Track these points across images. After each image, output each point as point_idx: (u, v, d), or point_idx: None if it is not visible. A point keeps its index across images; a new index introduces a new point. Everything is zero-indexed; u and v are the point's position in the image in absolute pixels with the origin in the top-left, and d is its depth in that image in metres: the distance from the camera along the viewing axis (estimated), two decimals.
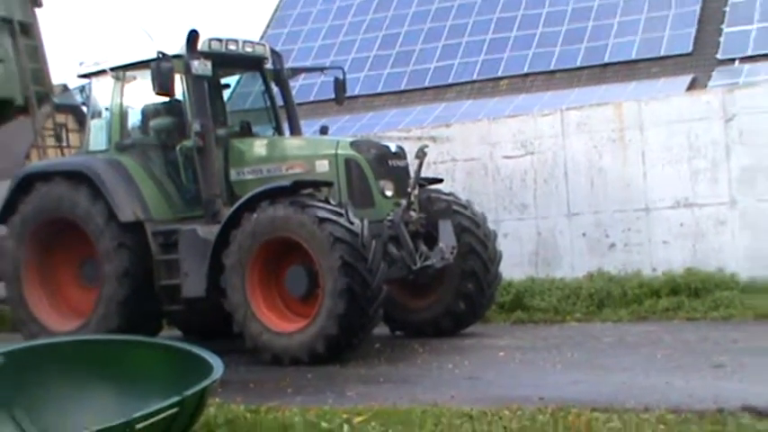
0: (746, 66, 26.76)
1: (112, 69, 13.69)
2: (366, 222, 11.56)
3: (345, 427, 7.47)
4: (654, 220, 15.32)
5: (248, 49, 13.91)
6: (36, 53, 15.98)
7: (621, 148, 15.57)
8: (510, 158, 16.35)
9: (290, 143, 13.48)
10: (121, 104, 13.75)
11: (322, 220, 11.30)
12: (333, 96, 14.62)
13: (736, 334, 11.85)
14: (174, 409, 6.53)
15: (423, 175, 13.03)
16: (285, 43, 32.39)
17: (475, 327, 13.43)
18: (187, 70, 12.81)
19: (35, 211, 13.53)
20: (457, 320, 13.26)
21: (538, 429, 7.17)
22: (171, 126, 13.38)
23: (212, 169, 12.89)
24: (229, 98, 14.87)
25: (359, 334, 11.59)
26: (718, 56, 28.11)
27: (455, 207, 13.20)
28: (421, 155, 12.92)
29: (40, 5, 16.06)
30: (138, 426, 6.20)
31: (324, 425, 7.54)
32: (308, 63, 28.82)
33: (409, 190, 12.77)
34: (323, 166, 12.56)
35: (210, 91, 13.48)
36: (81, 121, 15.83)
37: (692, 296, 13.94)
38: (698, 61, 28.33)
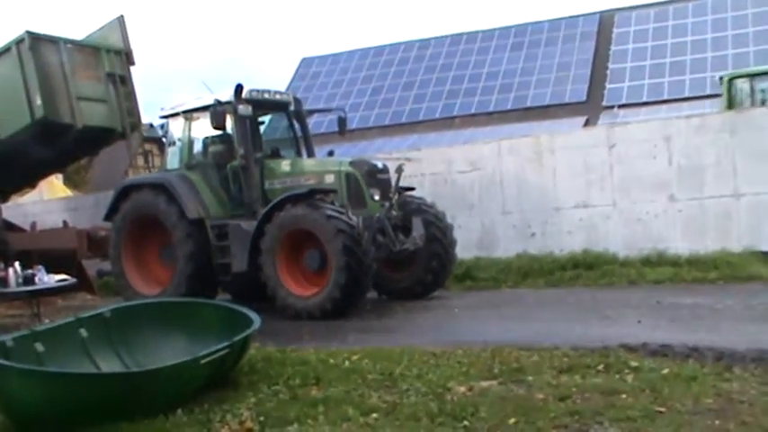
0: (622, 111, 27.09)
1: (183, 112, 13.68)
2: (360, 218, 11.58)
3: (346, 362, 7.48)
4: (562, 216, 15.31)
5: (278, 97, 13.91)
6: (130, 96, 16.09)
7: (539, 166, 15.56)
8: (462, 173, 16.32)
9: (307, 162, 13.44)
10: (189, 136, 13.74)
11: (329, 217, 11.30)
12: (337, 129, 14.58)
13: (616, 295, 11.88)
14: (226, 350, 6.56)
15: (401, 184, 13.04)
16: (303, 92, 32.34)
17: (438, 292, 13.40)
18: (234, 112, 12.77)
19: (130, 211, 13.53)
20: (425, 288, 13.23)
21: (481, 363, 7.19)
22: (223, 151, 13.33)
23: (252, 181, 12.88)
24: (264, 131, 14.81)
25: (356, 297, 11.57)
26: (603, 104, 28.40)
27: (423, 207, 13.18)
28: (399, 171, 12.92)
29: (133, 64, 16.18)
30: (202, 361, 6.22)
31: (331, 361, 7.55)
32: (320, 106, 28.78)
33: (391, 195, 12.77)
34: (330, 179, 12.52)
35: (251, 126, 13.44)
36: (161, 148, 15.77)
37: (587, 269, 13.91)
38: (590, 107, 28.56)
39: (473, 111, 30.67)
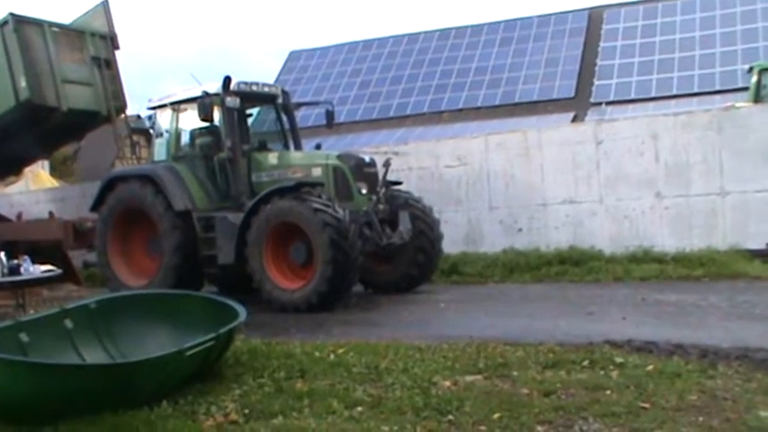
0: (609, 107, 27.16)
1: (171, 104, 13.66)
2: (347, 212, 11.55)
3: (332, 355, 7.47)
4: (548, 212, 15.35)
5: (266, 89, 13.87)
6: (114, 80, 16.19)
7: (527, 161, 15.59)
8: (449, 168, 16.34)
9: (294, 155, 13.41)
10: (177, 128, 13.72)
11: (316, 210, 11.28)
12: (325, 123, 14.55)
13: (601, 291, 11.92)
14: (212, 342, 6.54)
15: (388, 178, 13.05)
16: (291, 85, 32.30)
17: (424, 286, 13.42)
18: (222, 104, 12.75)
19: (117, 202, 13.52)
20: (411, 282, 13.25)
21: (466, 357, 7.19)
22: (211, 143, 13.30)
23: (239, 174, 12.86)
24: (252, 123, 14.78)
25: (342, 291, 11.56)
26: (591, 100, 28.46)
27: (410, 201, 13.19)
28: (387, 164, 12.96)
29: (118, 48, 16.28)
30: (187, 353, 6.20)
31: (316, 354, 7.54)
32: (308, 99, 28.71)
33: (378, 189, 12.78)
34: (317, 172, 12.51)
35: (239, 118, 13.42)
36: (149, 139, 15.78)
37: (573, 265, 13.94)
38: (578, 103, 28.58)
39: (461, 105, 30.67)
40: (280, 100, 14.04)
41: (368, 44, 36.50)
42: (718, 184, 13.94)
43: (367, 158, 12.96)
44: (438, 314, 10.86)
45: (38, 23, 15.17)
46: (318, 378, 6.66)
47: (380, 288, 13.33)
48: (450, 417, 5.47)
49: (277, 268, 11.93)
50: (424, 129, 29.01)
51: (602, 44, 30.79)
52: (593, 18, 32.52)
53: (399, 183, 13.70)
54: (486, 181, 15.97)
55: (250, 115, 14.63)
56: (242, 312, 7.20)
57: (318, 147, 14.46)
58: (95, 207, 13.88)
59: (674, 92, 27.02)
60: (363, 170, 12.65)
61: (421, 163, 16.56)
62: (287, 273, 11.98)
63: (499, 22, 34.52)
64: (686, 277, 12.67)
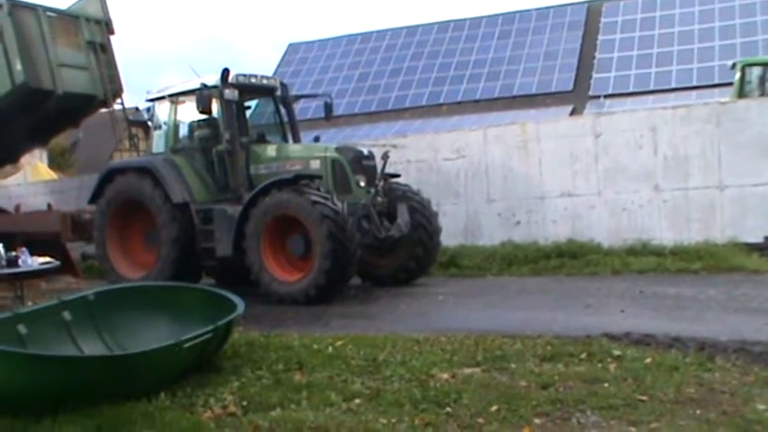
0: (608, 100, 27.17)
1: (169, 96, 13.66)
2: (345, 204, 11.56)
3: (330, 348, 7.47)
4: (547, 205, 15.35)
5: (264, 82, 13.84)
6: (110, 64, 16.22)
7: (525, 154, 15.58)
8: (448, 160, 16.33)
9: (293, 148, 13.39)
10: (175, 120, 13.72)
11: (314, 203, 11.26)
12: (323, 115, 14.54)
13: (599, 284, 11.89)
14: (210, 335, 6.54)
15: (386, 171, 13.03)
16: (290, 77, 32.28)
17: (422, 279, 13.40)
18: (221, 96, 12.74)
19: (115, 194, 13.52)
20: (409, 274, 13.24)
21: (465, 350, 7.20)
22: (209, 135, 13.28)
23: (238, 166, 12.84)
24: (250, 116, 14.75)
25: (340, 283, 11.56)
26: (590, 93, 28.47)
27: (409, 194, 13.17)
28: (385, 157, 12.94)
29: (113, 33, 16.33)
30: (185, 345, 6.20)
31: (315, 346, 7.54)
32: (306, 91, 28.67)
33: (377, 182, 12.76)
34: (316, 164, 12.49)
35: (237, 111, 13.39)
36: (147, 131, 15.78)
37: (571, 258, 13.94)
38: (576, 96, 28.60)
39: (459, 98, 30.66)
40: (278, 92, 14.03)
41: (366, 36, 36.48)
42: (716, 177, 13.93)
43: (365, 151, 12.95)
44: (436, 307, 10.86)
45: (32, 8, 15.22)
46: (317, 370, 6.66)
47: (379, 281, 13.32)
48: (449, 409, 5.47)
49: (275, 261, 11.92)
50: (422, 121, 29.00)
51: (600, 37, 30.78)
52: (592, 11, 32.50)
53: (398, 175, 13.68)
54: (485, 174, 15.96)
55: (249, 107, 14.60)
56: (240, 305, 7.20)
57: (317, 139, 14.44)
58: (93, 199, 13.88)
59: (673, 85, 27.02)
60: (362, 163, 12.63)
61: (419, 156, 16.54)
62: (285, 265, 11.97)
63: (498, 15, 34.51)
64: (684, 270, 12.66)
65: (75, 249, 16.29)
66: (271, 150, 13.11)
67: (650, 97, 26.18)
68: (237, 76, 13.05)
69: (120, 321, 7.38)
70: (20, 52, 14.60)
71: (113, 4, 16.30)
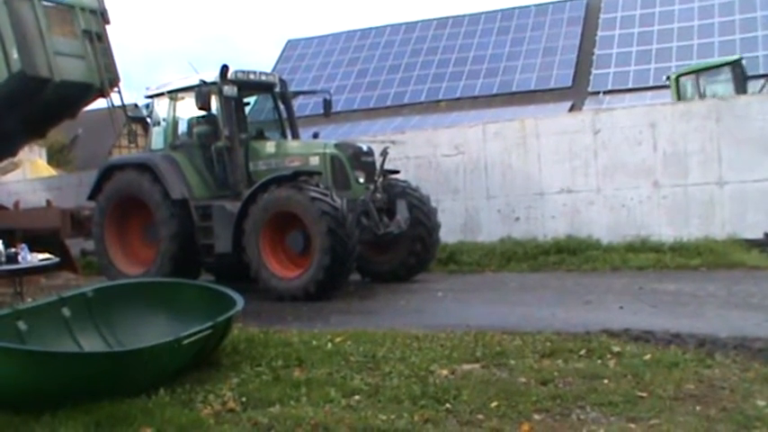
0: (607, 96, 27.19)
1: (168, 92, 13.64)
2: (345, 201, 11.54)
3: (329, 344, 7.46)
4: (546, 201, 15.34)
5: (263, 78, 13.83)
6: (106, 53, 16.19)
7: (524, 150, 15.57)
8: (447, 157, 16.32)
9: (292, 144, 13.39)
10: (174, 117, 13.71)
11: (313, 199, 11.26)
12: (322, 111, 14.53)
13: (599, 280, 11.91)
14: (209, 331, 6.53)
15: (385, 167, 13.03)
16: (289, 74, 32.27)
17: (421, 275, 13.40)
18: (220, 93, 12.73)
19: (114, 191, 13.50)
20: (408, 270, 13.24)
21: (464, 346, 7.19)
22: (208, 132, 13.26)
23: (237, 162, 12.83)
24: (249, 112, 14.74)
25: (339, 279, 11.55)
26: (589, 89, 28.51)
27: (408, 191, 13.16)
28: (384, 153, 12.94)
29: (108, 23, 16.35)
30: (185, 342, 6.20)
31: (314, 342, 7.53)
32: (305, 88, 28.67)
33: (376, 178, 12.77)
34: (315, 161, 12.48)
35: (236, 107, 13.37)
36: (146, 128, 15.74)
37: (570, 254, 13.95)
38: (575, 92, 28.64)
39: (458, 94, 30.68)
40: (277, 89, 14.01)
41: (365, 33, 36.49)
42: (716, 173, 13.93)
43: (364, 147, 12.94)
44: (435, 303, 10.86)
45: None
46: (316, 367, 6.65)
47: (378, 277, 13.32)
48: (448, 405, 5.47)
49: (274, 257, 11.92)
50: (421, 117, 29.01)
51: (599, 33, 30.79)
52: (591, 7, 32.52)
53: (397, 172, 13.68)
54: (484, 170, 15.95)
55: (247, 104, 14.59)
56: (239, 301, 7.20)
57: (316, 135, 14.43)
58: (92, 195, 13.85)
59: None
60: (361, 159, 12.63)
61: (418, 152, 16.53)
62: (284, 261, 11.97)
63: (497, 11, 34.53)
64: (684, 267, 12.66)
65: (75, 246, 16.29)
66: (270, 147, 13.10)
67: (649, 93, 26.16)
68: (236, 72, 13.03)
69: (119, 318, 7.37)
70: (16, 41, 14.60)
71: (111, 1, 16.26)
